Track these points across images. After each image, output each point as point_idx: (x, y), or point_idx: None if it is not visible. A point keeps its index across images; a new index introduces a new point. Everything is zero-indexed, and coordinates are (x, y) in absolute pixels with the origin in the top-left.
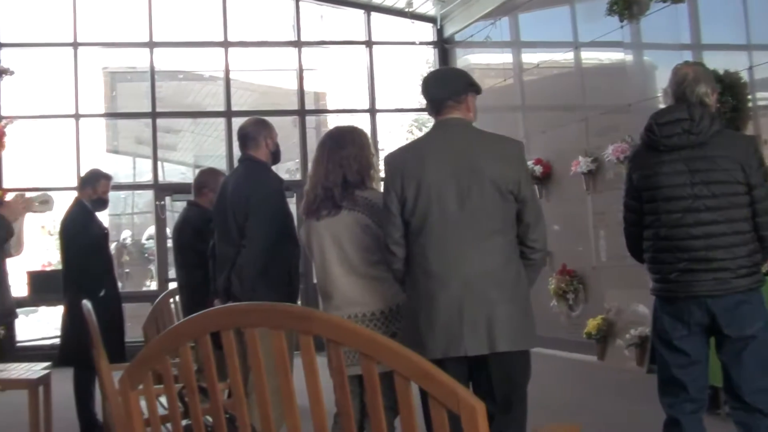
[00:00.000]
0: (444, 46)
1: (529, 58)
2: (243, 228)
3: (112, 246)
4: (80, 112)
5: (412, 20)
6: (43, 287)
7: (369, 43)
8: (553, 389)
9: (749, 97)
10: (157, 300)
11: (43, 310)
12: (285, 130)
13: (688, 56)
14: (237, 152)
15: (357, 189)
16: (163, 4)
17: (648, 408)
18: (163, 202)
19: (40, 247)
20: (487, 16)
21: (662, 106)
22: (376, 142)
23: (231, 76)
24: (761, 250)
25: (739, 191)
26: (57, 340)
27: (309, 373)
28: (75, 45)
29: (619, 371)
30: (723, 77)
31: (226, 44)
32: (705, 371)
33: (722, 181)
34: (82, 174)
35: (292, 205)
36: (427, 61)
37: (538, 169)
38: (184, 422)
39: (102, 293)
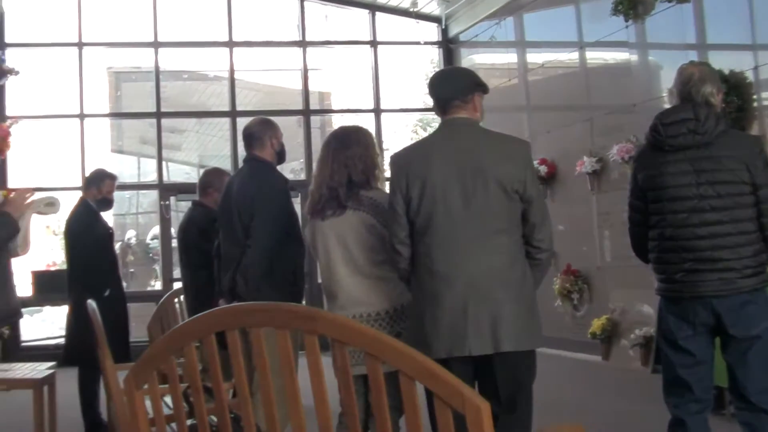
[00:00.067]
0: (449, 45)
1: (534, 58)
2: (248, 228)
3: (117, 246)
4: (85, 112)
5: (417, 20)
6: (47, 287)
7: (374, 43)
8: (557, 389)
9: (755, 96)
10: (162, 300)
11: (48, 310)
12: (290, 129)
13: (693, 56)
14: (241, 152)
15: (362, 189)
16: (167, 4)
17: (653, 408)
18: (167, 202)
19: (45, 246)
20: (492, 16)
21: (667, 106)
22: (380, 142)
23: (236, 76)
24: (767, 250)
25: (744, 191)
26: (62, 340)
27: (314, 372)
28: (80, 45)
29: (624, 371)
30: (728, 77)
31: (230, 44)
32: (710, 371)
33: (727, 181)
34: (87, 174)
35: (297, 205)
36: (431, 61)
37: (543, 169)
38: (189, 422)
39: (107, 293)
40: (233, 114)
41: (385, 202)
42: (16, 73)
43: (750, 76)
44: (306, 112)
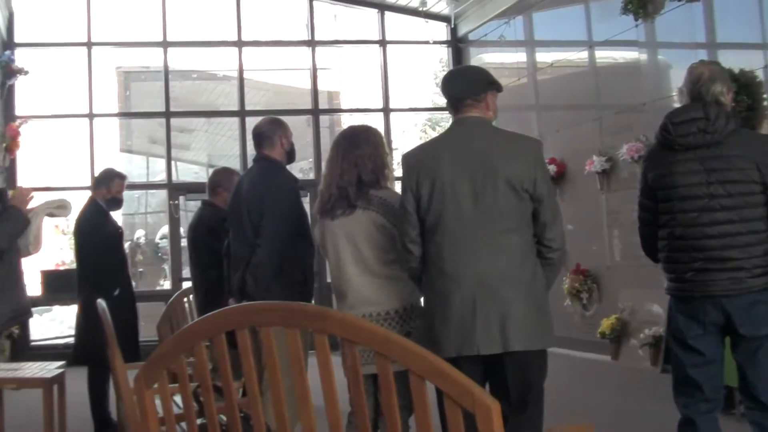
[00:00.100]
0: (458, 45)
1: (543, 57)
2: (258, 227)
3: (126, 245)
4: (94, 111)
5: (426, 19)
6: (56, 286)
7: (383, 43)
8: (566, 389)
9: (765, 96)
10: (171, 299)
11: (57, 310)
12: (299, 129)
13: (703, 55)
14: (251, 152)
15: (372, 188)
16: (176, 3)
17: (662, 408)
18: (176, 202)
19: (54, 246)
20: (501, 15)
21: (677, 105)
22: (389, 142)
23: (245, 75)
24: None
25: (754, 190)
26: (71, 340)
27: (324, 372)
28: (89, 45)
29: (633, 371)
30: (738, 76)
31: (239, 44)
32: (720, 371)
33: (738, 181)
34: (96, 173)
35: (306, 204)
36: (440, 60)
37: (552, 168)
38: (198, 421)
39: (116, 292)
40: (242, 113)
41: (394, 202)
42: (26, 72)
43: (760, 75)
44: (315, 112)
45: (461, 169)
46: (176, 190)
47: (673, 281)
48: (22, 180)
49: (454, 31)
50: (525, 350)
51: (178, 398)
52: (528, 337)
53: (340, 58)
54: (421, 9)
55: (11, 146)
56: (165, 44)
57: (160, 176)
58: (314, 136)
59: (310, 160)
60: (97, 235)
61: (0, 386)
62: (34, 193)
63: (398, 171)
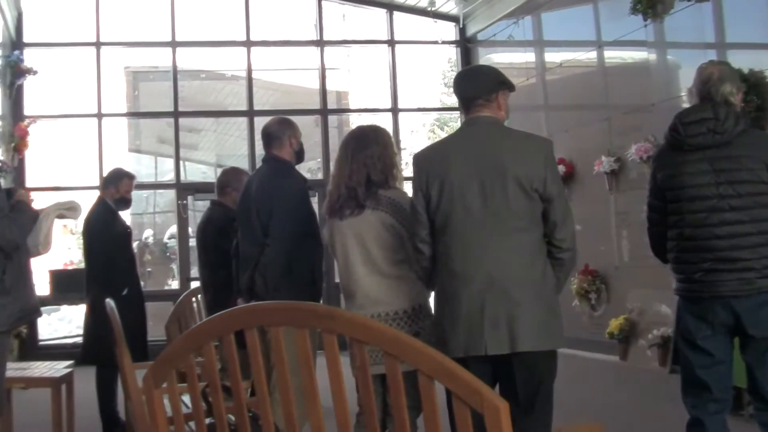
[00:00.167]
0: (466, 45)
1: (552, 57)
2: (267, 227)
3: (135, 245)
4: (103, 111)
5: (435, 19)
6: (65, 286)
7: (391, 43)
8: (575, 389)
9: None
10: (180, 299)
11: (66, 309)
12: (307, 129)
13: (712, 55)
14: (259, 151)
15: (381, 188)
16: (185, 3)
17: (671, 408)
18: (185, 202)
19: (63, 246)
20: (510, 15)
21: (686, 105)
22: (398, 142)
23: (253, 75)
24: None
25: (764, 191)
26: (79, 339)
27: (332, 372)
28: (97, 44)
29: (642, 371)
30: (748, 76)
31: (248, 44)
32: (729, 372)
33: (747, 181)
34: (105, 173)
35: (315, 204)
36: (449, 60)
37: (561, 168)
38: (207, 421)
39: (125, 292)
40: (251, 113)
41: (403, 202)
42: (34, 72)
43: None
44: (323, 112)
45: (471, 169)
46: (185, 189)
47: (682, 282)
48: (31, 180)
49: (462, 31)
50: (533, 351)
51: (186, 398)
52: (536, 337)
53: (349, 58)
54: (429, 9)
55: (20, 146)
56: (174, 44)
57: (169, 176)
58: (323, 136)
59: (319, 160)
60: (105, 234)
61: (9, 385)
62: (36, 194)
63: (407, 171)
